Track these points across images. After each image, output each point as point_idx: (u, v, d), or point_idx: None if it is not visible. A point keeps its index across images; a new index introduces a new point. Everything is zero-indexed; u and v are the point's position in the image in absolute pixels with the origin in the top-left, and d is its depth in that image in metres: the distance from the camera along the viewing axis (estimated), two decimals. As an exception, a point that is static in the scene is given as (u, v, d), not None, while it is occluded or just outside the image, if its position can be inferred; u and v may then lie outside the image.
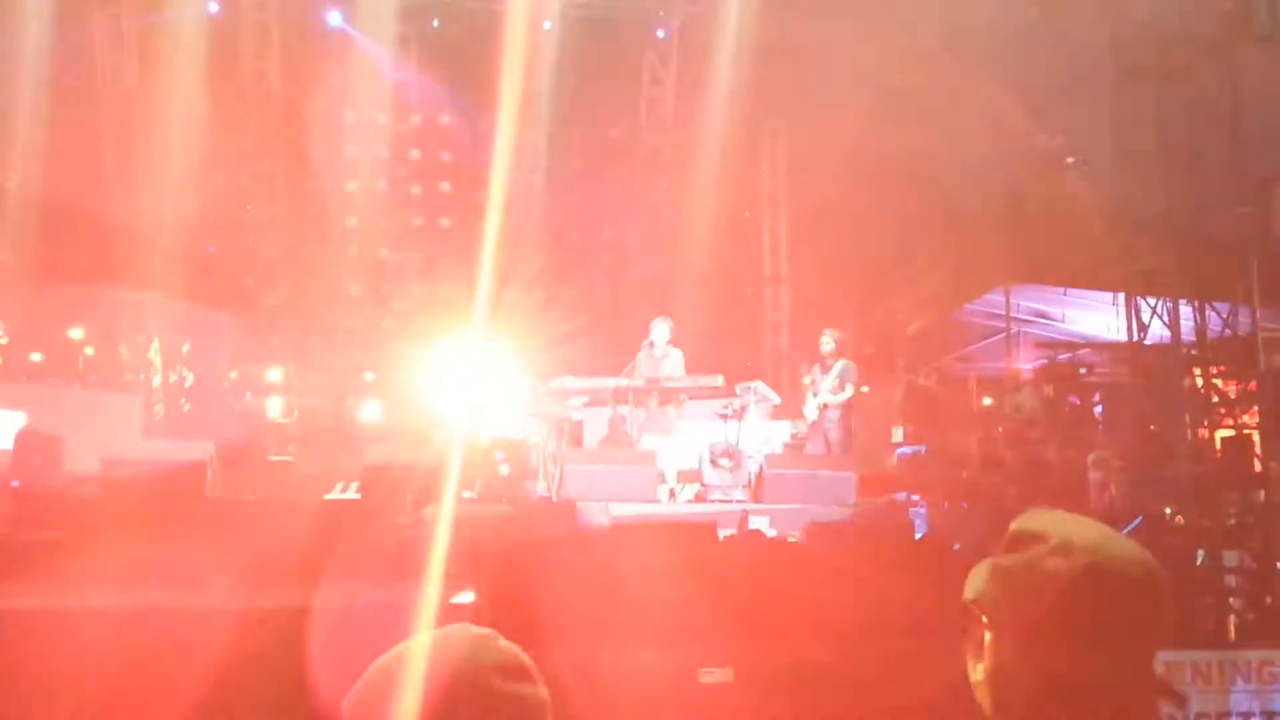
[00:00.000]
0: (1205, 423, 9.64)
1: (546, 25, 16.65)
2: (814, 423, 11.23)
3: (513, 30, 16.78)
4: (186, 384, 16.26)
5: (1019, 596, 1.35)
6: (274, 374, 16.51)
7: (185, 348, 16.35)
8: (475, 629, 1.38)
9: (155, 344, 15.81)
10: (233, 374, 16.77)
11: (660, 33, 17.27)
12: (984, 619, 1.38)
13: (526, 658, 1.37)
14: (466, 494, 10.31)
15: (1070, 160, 12.02)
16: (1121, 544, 1.38)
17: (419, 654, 1.34)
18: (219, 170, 16.48)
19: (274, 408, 16.16)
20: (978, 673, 1.38)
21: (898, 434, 12.83)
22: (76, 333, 16.01)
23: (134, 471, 8.00)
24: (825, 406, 11.08)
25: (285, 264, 16.94)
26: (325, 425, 16.39)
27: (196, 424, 15.04)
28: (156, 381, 15.63)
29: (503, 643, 1.37)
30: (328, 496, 10.66)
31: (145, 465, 8.19)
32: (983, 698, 1.38)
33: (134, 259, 15.81)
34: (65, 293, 15.37)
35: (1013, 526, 1.43)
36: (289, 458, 15.83)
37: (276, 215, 16.86)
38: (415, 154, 17.31)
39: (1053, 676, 1.31)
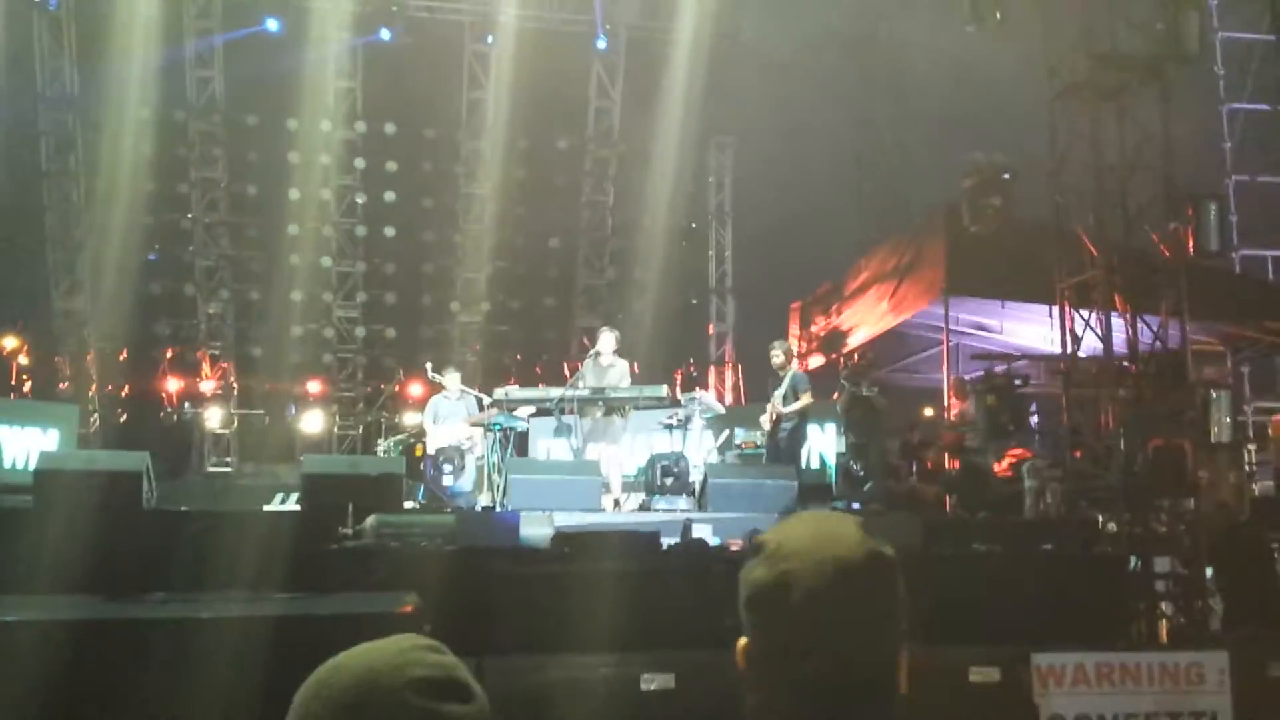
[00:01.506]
0: (1137, 432, 9.85)
1: (489, 39, 16.68)
2: (769, 432, 11.31)
3: (460, 40, 16.85)
4: (124, 393, 16.01)
5: (742, 604, 1.42)
6: (211, 384, 16.33)
7: (123, 357, 16.12)
8: (420, 640, 1.34)
9: (92, 353, 15.55)
10: (171, 384, 16.55)
11: (601, 43, 17.35)
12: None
13: (465, 674, 1.31)
14: (409, 504, 10.27)
15: (1006, 175, 12.25)
16: (833, 547, 1.41)
17: (346, 664, 1.31)
18: (160, 177, 16.27)
19: (213, 418, 15.97)
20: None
21: (840, 443, 12.96)
22: (11, 342, 15.70)
23: (68, 482, 7.86)
24: (778, 417, 11.16)
25: (226, 272, 16.76)
26: (265, 436, 16.24)
27: (133, 435, 14.81)
28: (92, 391, 15.38)
29: (437, 656, 1.31)
30: (268, 508, 10.56)
31: (79, 476, 8.04)
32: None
33: (73, 267, 15.58)
34: (0, 301, 15.08)
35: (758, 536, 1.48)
36: (228, 469, 15.66)
37: (217, 223, 16.68)
38: (360, 162, 17.20)
39: (768, 680, 1.38)
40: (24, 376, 14.68)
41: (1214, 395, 12.54)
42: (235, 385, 16.72)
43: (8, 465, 9.95)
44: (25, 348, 15.18)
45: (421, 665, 1.29)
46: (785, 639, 1.38)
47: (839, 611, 1.37)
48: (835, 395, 12.67)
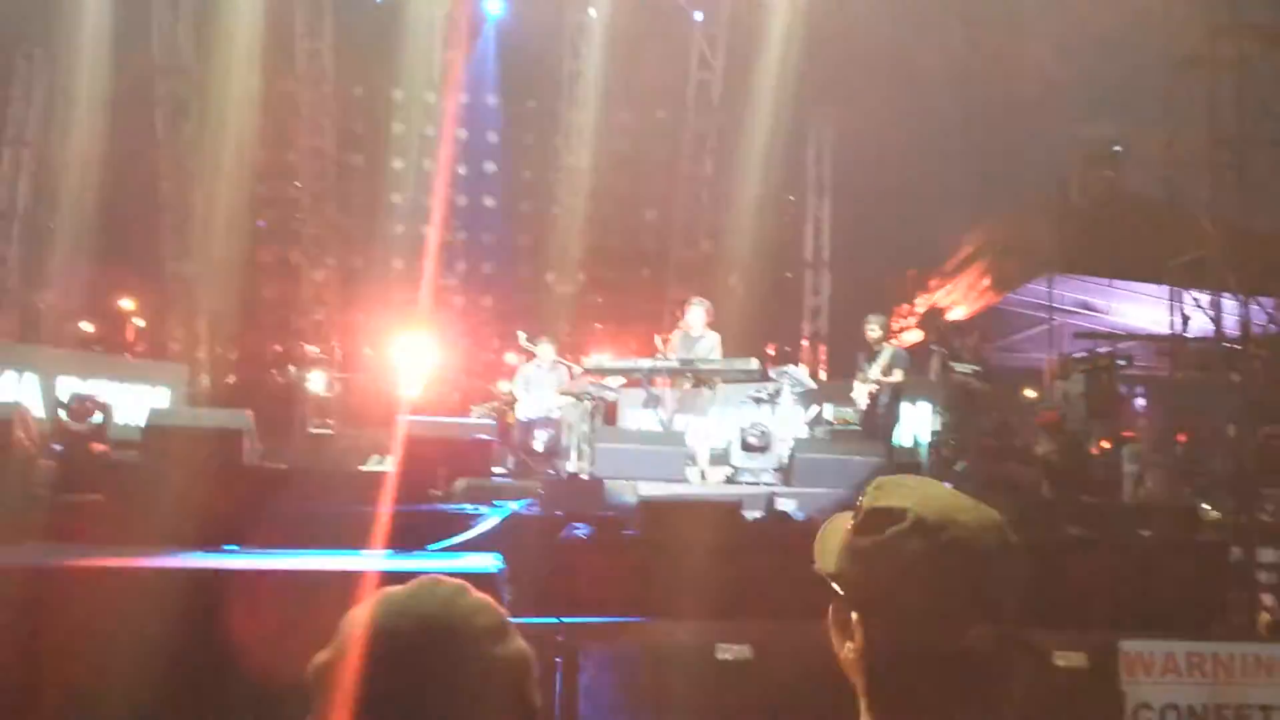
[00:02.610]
0: (1246, 418, 9.50)
1: (591, 12, 16.68)
2: (866, 408, 11.15)
3: (561, 12, 16.92)
4: (232, 356, 16.56)
5: (884, 579, 1.34)
6: (317, 348, 16.77)
7: (232, 320, 16.65)
8: (450, 582, 1.33)
9: (202, 316, 16.11)
10: (277, 347, 17.07)
11: (698, 15, 17.23)
12: (846, 598, 1.37)
13: (504, 611, 1.32)
14: (499, 469, 10.44)
15: (1117, 149, 11.84)
16: (970, 511, 1.37)
17: (394, 614, 1.28)
18: (269, 147, 16.73)
19: (316, 382, 16.41)
20: (847, 651, 1.37)
21: (935, 421, 12.75)
22: (127, 303, 16.38)
23: (174, 438, 8.18)
24: (875, 392, 10.99)
25: (331, 240, 17.18)
26: (365, 399, 16.63)
27: (240, 395, 15.33)
28: (202, 353, 15.93)
29: (481, 597, 1.32)
30: (363, 468, 10.84)
31: (184, 432, 8.37)
32: (855, 675, 1.37)
33: (185, 232, 16.12)
34: (117, 264, 15.70)
35: (865, 503, 1.39)
36: (328, 430, 16.08)
37: (324, 192, 17.09)
38: (462, 133, 17.44)
39: (924, 650, 1.31)
40: (137, 337, 15.29)
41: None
42: (339, 350, 17.15)
43: (120, 422, 10.38)
44: (139, 310, 15.81)
45: (479, 611, 1.29)
46: (949, 609, 1.31)
47: (1004, 576, 1.34)
48: (931, 372, 12.48)
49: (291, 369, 16.60)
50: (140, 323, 15.95)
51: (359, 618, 1.29)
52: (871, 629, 1.34)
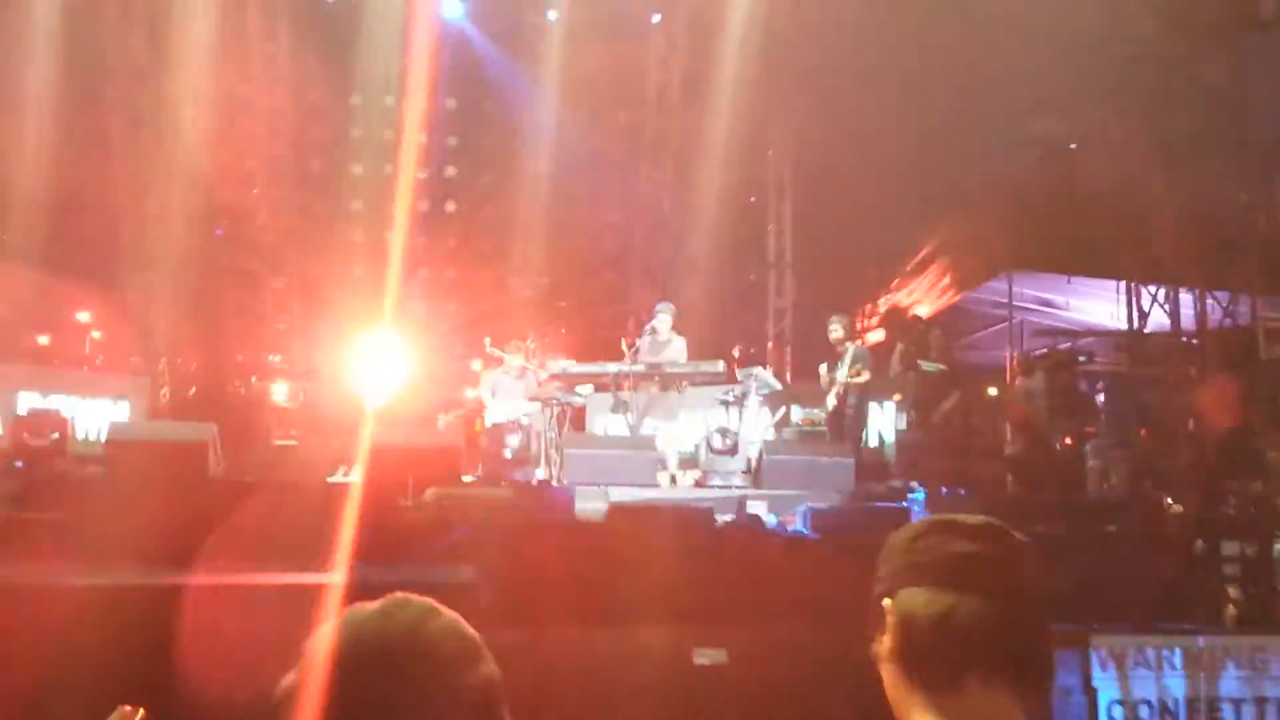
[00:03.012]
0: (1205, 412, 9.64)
1: (550, 15, 16.63)
2: (833, 409, 11.20)
3: (519, 14, 16.87)
4: (192, 367, 16.34)
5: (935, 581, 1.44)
6: (279, 358, 16.59)
7: (192, 331, 16.43)
8: (419, 601, 1.30)
9: (162, 327, 15.88)
10: (239, 357, 16.86)
11: (656, 17, 17.25)
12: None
13: (474, 632, 1.30)
14: (467, 478, 10.39)
15: (1072, 145, 11.98)
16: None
17: (363, 634, 1.26)
18: (227, 153, 16.52)
19: (279, 392, 16.22)
20: (883, 651, 1.46)
21: (900, 421, 12.83)
22: (84, 315, 16.10)
23: (137, 452, 8.07)
24: (844, 393, 11.04)
25: (291, 247, 17.00)
26: (330, 410, 16.46)
27: (202, 407, 15.12)
28: (162, 365, 15.70)
29: (451, 616, 1.30)
30: (330, 479, 10.73)
31: (148, 446, 8.25)
32: (894, 674, 1.45)
33: (142, 241, 15.88)
34: (73, 275, 15.44)
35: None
36: (293, 442, 15.91)
37: (283, 198, 16.91)
38: (421, 138, 17.30)
39: (969, 646, 1.39)
40: (95, 350, 15.05)
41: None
42: (301, 359, 16.98)
43: (80, 436, 10.22)
44: (96, 321, 15.55)
45: (449, 637, 1.28)
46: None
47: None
48: (892, 370, 12.55)
49: (254, 379, 16.39)
50: (98, 335, 15.68)
51: (323, 641, 1.27)
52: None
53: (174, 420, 13.27)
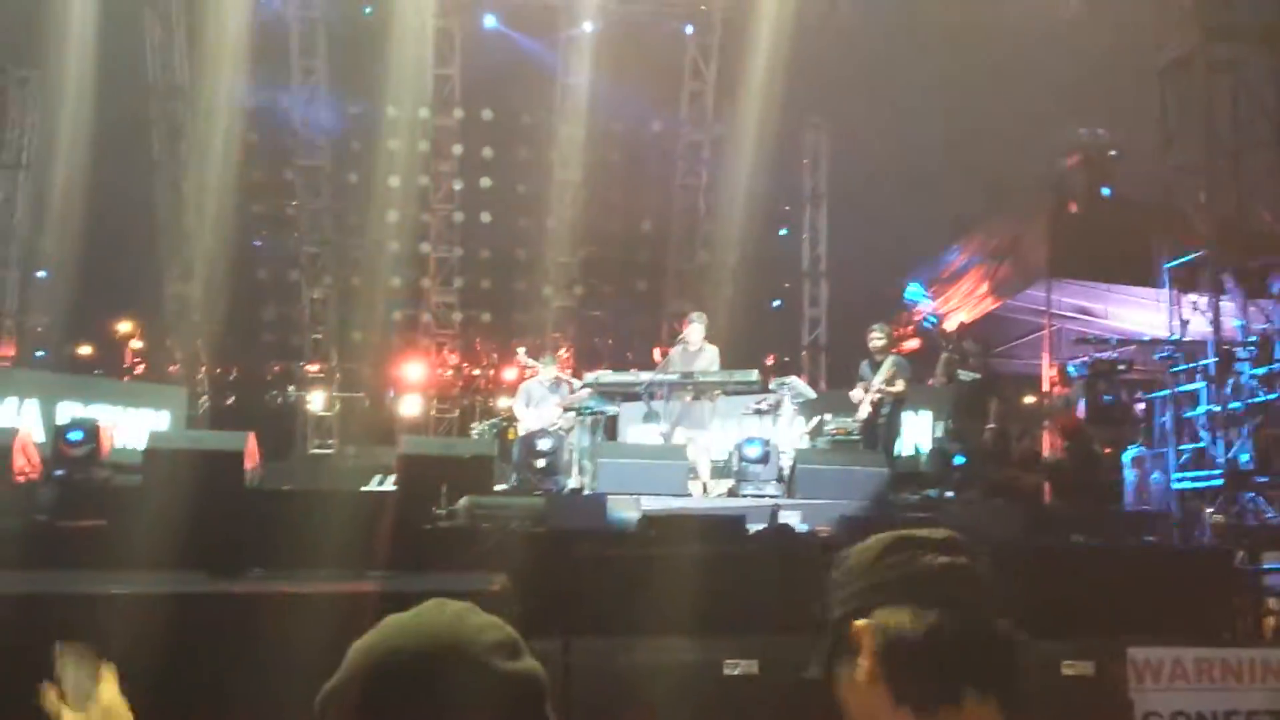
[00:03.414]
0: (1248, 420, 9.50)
1: (587, 26, 16.70)
2: (867, 418, 11.13)
3: (553, 26, 16.95)
4: (231, 376, 16.55)
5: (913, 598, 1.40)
6: (316, 368, 16.76)
7: (231, 341, 16.65)
8: (457, 604, 1.32)
9: (201, 337, 16.10)
10: (276, 367, 17.06)
11: (689, 28, 17.29)
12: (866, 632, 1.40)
13: (514, 630, 1.31)
14: (500, 486, 10.42)
15: (1112, 153, 11.85)
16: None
17: (403, 635, 1.27)
18: (265, 166, 16.74)
19: (315, 401, 16.39)
20: (862, 674, 1.38)
21: (936, 429, 12.74)
22: (125, 326, 16.36)
23: (175, 461, 8.16)
24: (878, 402, 10.96)
25: (328, 258, 17.17)
26: (365, 418, 16.61)
27: (240, 416, 15.31)
28: (201, 375, 15.91)
29: (490, 618, 1.31)
30: (365, 488, 10.81)
31: (185, 455, 8.34)
32: (874, 697, 1.39)
33: (181, 253, 16.12)
34: (114, 286, 15.68)
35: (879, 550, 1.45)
36: (329, 450, 16.07)
37: (320, 210, 17.08)
38: (458, 149, 17.45)
39: (965, 660, 1.37)
40: (137, 360, 15.27)
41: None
42: (337, 369, 17.15)
43: (120, 445, 10.36)
44: (138, 332, 15.80)
45: (488, 628, 1.29)
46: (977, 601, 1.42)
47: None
48: (931, 379, 12.46)
49: (291, 389, 16.57)
50: (138, 345, 15.93)
51: (365, 643, 1.29)
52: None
53: (212, 429, 13.42)
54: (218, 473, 8.14)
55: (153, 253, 15.99)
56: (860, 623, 1.38)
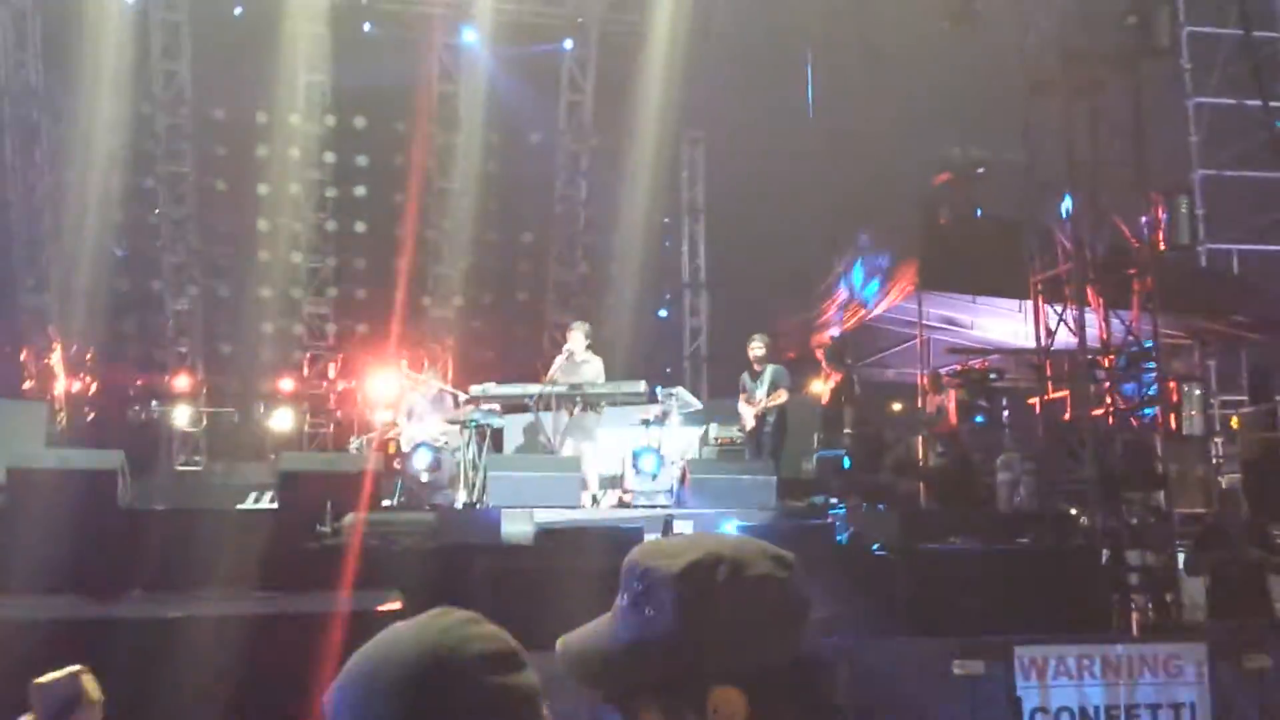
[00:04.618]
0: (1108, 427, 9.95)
1: (469, 35, 16.56)
2: (751, 429, 11.29)
3: (430, 33, 16.76)
4: (91, 392, 15.79)
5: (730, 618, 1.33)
6: (181, 381, 16.12)
7: (89, 355, 15.89)
8: (456, 612, 1.30)
9: (57, 351, 15.33)
10: (139, 381, 16.34)
11: (568, 44, 17.34)
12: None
13: (514, 642, 1.29)
14: (386, 502, 10.21)
15: (980, 170, 12.33)
16: (756, 543, 1.41)
17: (397, 644, 1.26)
18: (127, 172, 16.04)
19: (181, 416, 15.76)
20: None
21: (815, 438, 13.02)
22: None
23: (42, 481, 7.74)
24: (762, 413, 11.14)
25: (195, 268, 16.56)
26: (234, 434, 16.07)
27: (101, 433, 14.62)
28: (59, 389, 15.14)
29: (486, 628, 1.29)
30: (241, 506, 10.45)
31: (53, 474, 7.92)
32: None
33: (38, 262, 15.35)
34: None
35: (677, 565, 1.35)
36: (197, 467, 15.48)
37: (185, 218, 16.47)
38: (330, 156, 17.06)
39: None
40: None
41: (1186, 389, 12.68)
42: (204, 383, 16.54)
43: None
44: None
45: (480, 639, 1.26)
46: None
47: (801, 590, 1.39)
48: (808, 388, 12.71)
49: (154, 404, 15.90)
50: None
51: (363, 652, 1.27)
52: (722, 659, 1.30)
53: (72, 447, 12.76)
54: (90, 492, 7.75)
55: (5, 262, 15.16)
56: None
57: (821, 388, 13.18)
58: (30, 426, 11.49)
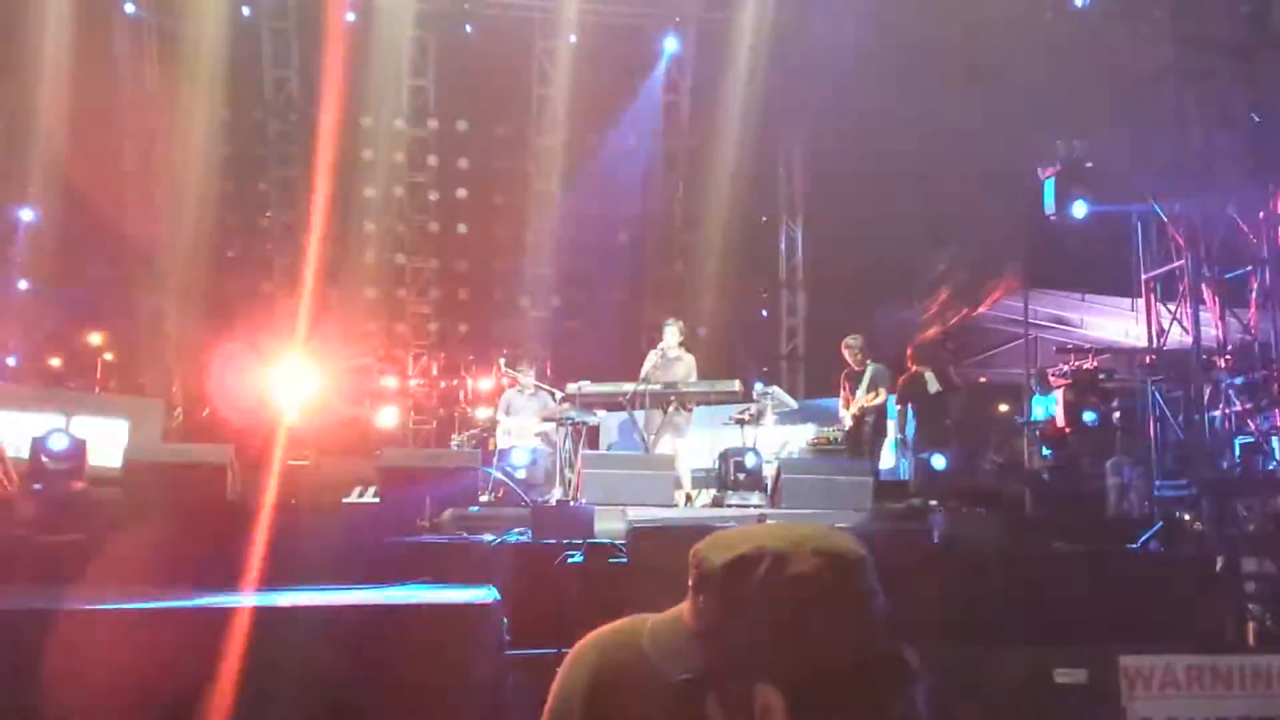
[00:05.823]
0: (1224, 429, 9.60)
1: (572, 38, 16.71)
2: (850, 429, 11.18)
3: (530, 37, 16.95)
4: (205, 389, 16.34)
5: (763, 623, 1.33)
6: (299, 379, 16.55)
7: (205, 352, 16.44)
8: (649, 617, 1.41)
9: (174, 349, 15.90)
10: (251, 378, 16.84)
11: (666, 39, 17.34)
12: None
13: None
14: (484, 498, 10.36)
15: (1089, 164, 11.94)
16: (821, 537, 1.40)
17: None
18: (238, 175, 16.59)
19: (291, 412, 16.19)
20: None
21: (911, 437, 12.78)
22: (95, 338, 16.13)
23: (155, 474, 8.05)
24: (861, 413, 11.02)
25: (302, 269, 17.01)
26: (341, 429, 16.44)
27: (216, 428, 15.11)
28: (176, 387, 15.71)
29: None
30: (346, 500, 10.70)
31: (166, 468, 8.23)
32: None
33: (154, 263, 15.93)
34: (85, 298, 15.47)
35: (725, 559, 1.36)
36: (305, 462, 15.88)
37: (295, 221, 16.94)
38: (433, 160, 17.38)
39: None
40: (107, 372, 15.05)
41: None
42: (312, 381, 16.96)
43: (96, 459, 10.19)
44: (108, 344, 15.57)
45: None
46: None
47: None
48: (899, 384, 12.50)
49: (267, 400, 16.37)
50: (109, 357, 15.70)
51: (574, 665, 1.45)
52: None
53: (187, 442, 13.24)
54: (200, 486, 8.04)
55: (126, 264, 15.79)
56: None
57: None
58: (149, 422, 11.94)
